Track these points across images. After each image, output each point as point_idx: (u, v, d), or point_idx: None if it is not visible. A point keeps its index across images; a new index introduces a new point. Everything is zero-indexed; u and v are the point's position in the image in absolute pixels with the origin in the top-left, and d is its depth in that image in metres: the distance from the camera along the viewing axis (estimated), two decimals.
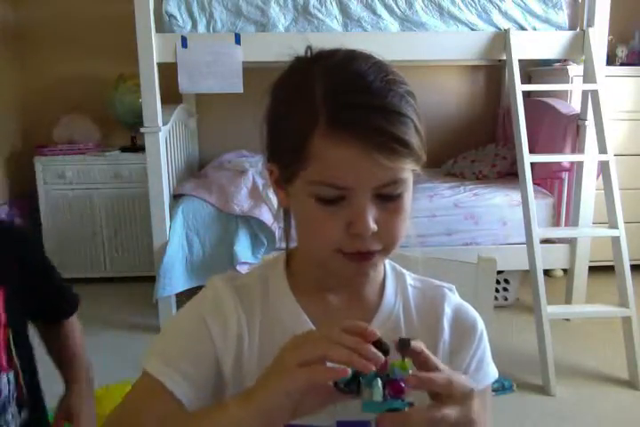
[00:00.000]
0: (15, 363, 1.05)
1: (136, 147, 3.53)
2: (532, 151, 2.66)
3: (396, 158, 0.64)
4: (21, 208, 3.49)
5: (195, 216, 2.91)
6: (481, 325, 0.80)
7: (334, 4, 2.75)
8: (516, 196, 2.95)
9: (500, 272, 3.07)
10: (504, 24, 2.81)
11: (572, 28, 2.85)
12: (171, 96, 3.01)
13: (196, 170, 3.75)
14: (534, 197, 2.58)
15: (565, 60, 3.34)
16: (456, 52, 2.83)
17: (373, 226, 0.66)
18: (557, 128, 3.07)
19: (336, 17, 2.76)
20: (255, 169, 3.24)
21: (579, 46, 2.78)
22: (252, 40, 2.71)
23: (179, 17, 2.71)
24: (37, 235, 3.42)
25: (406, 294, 0.80)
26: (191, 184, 3.10)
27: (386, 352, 0.59)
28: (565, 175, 3.11)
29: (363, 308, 0.78)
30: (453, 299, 0.81)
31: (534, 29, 2.83)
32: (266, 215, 2.88)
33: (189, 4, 2.71)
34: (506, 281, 3.16)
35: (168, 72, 2.73)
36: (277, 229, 2.83)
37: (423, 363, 0.63)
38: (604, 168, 2.62)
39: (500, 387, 2.28)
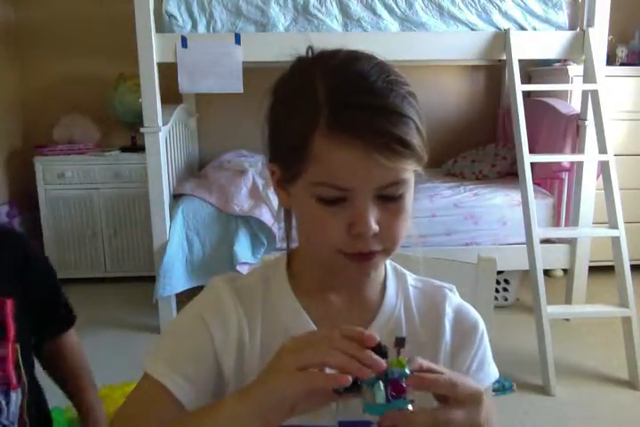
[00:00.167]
0: (24, 381, 1.01)
1: (136, 147, 3.53)
2: (532, 151, 2.66)
3: (397, 159, 0.64)
4: (21, 208, 3.49)
5: (195, 216, 2.91)
6: (482, 325, 0.80)
7: (334, 3, 2.75)
8: (516, 196, 2.95)
9: (500, 272, 3.07)
10: (504, 24, 2.81)
11: (572, 28, 2.85)
12: (171, 96, 3.01)
13: (196, 170, 3.75)
14: (534, 197, 2.58)
15: (565, 60, 3.34)
16: (456, 52, 2.83)
17: (375, 227, 0.66)
18: (557, 128, 3.06)
19: (336, 17, 2.76)
20: (255, 169, 3.24)
21: (579, 46, 2.78)
22: (252, 40, 2.71)
23: (179, 17, 2.71)
24: (38, 235, 3.42)
25: (407, 295, 0.80)
26: (191, 184, 3.10)
27: (385, 355, 0.59)
28: (565, 175, 3.11)
29: (364, 308, 0.78)
30: (454, 299, 0.81)
31: (534, 29, 2.83)
32: (266, 215, 2.88)
33: (189, 4, 2.71)
34: (506, 281, 3.16)
35: (168, 72, 2.73)
36: (277, 230, 2.83)
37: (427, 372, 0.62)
38: (604, 168, 2.62)
39: (500, 387, 2.28)
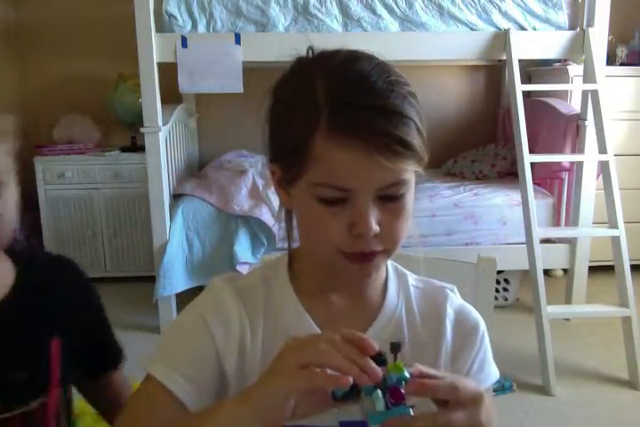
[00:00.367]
0: None
1: (136, 147, 3.53)
2: (531, 151, 2.66)
3: (397, 160, 0.64)
4: (21, 208, 3.49)
5: (195, 216, 2.91)
6: (483, 326, 0.80)
7: (334, 4, 2.75)
8: (516, 196, 2.95)
9: (500, 272, 3.07)
10: (504, 24, 2.81)
11: (572, 28, 2.85)
12: (171, 96, 3.01)
13: (196, 170, 3.75)
14: (534, 197, 2.58)
15: (565, 60, 3.34)
16: (456, 52, 2.83)
17: (375, 227, 0.66)
18: (557, 128, 3.06)
19: (336, 17, 2.76)
20: (255, 169, 3.24)
21: (579, 46, 2.78)
22: (252, 40, 2.70)
23: (179, 17, 2.71)
24: (37, 235, 3.42)
25: (408, 295, 0.80)
26: (191, 184, 3.10)
27: (384, 363, 0.59)
28: (565, 175, 3.11)
29: (365, 309, 0.78)
30: (455, 300, 0.81)
31: (534, 29, 2.83)
32: (266, 215, 2.87)
33: (189, 4, 2.71)
34: (506, 281, 3.16)
35: (168, 72, 2.73)
36: (278, 230, 2.83)
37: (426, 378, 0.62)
38: (603, 168, 2.62)
39: (500, 387, 2.28)
